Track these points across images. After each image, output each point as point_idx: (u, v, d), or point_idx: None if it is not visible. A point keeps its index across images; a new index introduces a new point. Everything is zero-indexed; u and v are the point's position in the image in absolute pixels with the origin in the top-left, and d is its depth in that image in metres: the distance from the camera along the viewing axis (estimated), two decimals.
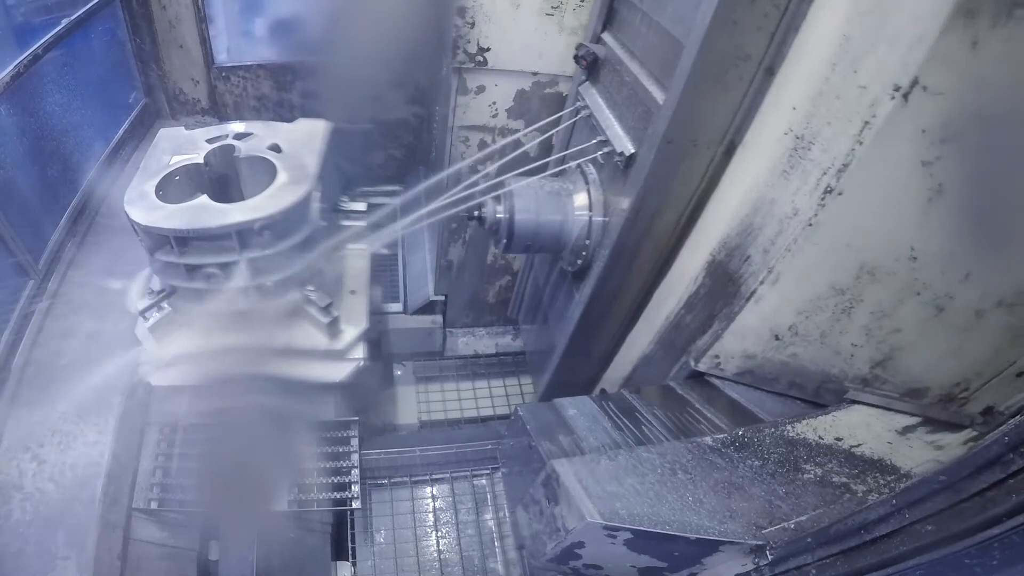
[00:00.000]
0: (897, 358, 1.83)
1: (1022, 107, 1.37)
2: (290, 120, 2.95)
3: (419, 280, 4.22)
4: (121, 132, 3.65)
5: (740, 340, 1.95)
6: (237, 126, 2.81)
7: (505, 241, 2.70)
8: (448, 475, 3.22)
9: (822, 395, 1.98)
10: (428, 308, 4.14)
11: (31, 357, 2.52)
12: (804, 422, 1.80)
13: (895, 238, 1.61)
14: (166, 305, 2.52)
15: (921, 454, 1.72)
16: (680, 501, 1.55)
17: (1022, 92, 1.35)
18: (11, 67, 2.60)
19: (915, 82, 1.35)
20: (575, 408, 2.12)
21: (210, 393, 2.59)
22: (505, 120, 3.18)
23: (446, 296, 4.09)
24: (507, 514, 3.08)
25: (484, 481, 3.23)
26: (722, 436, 1.77)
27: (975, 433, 1.71)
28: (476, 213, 2.72)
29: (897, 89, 1.37)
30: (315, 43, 3.92)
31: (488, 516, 3.13)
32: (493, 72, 3.01)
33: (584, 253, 2.66)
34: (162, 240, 2.33)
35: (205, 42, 3.96)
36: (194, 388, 2.59)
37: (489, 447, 3.27)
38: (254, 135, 2.74)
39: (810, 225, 1.63)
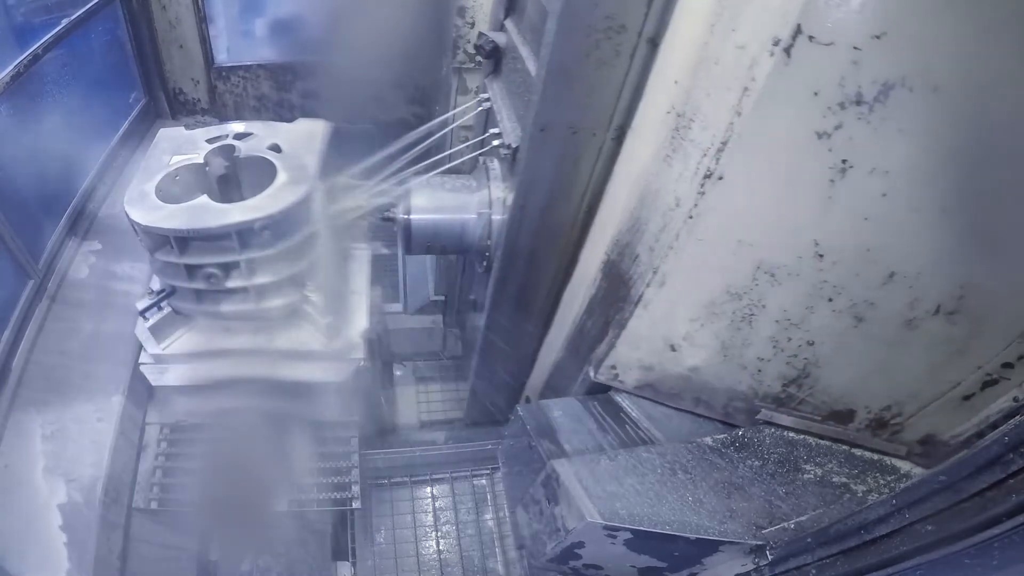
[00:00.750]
0: (814, 375, 1.58)
1: (938, 53, 1.07)
2: (290, 120, 2.94)
3: (419, 280, 4.22)
4: (121, 132, 3.65)
5: (634, 349, 1.72)
6: (237, 126, 2.80)
7: (404, 242, 2.51)
8: (448, 475, 3.22)
9: (732, 414, 1.77)
10: (428, 308, 4.14)
11: (31, 357, 2.52)
12: None
13: (794, 231, 1.34)
14: (166, 305, 2.52)
15: None
16: (680, 501, 1.54)
17: (930, 32, 1.05)
18: (11, 67, 2.60)
19: (798, 31, 1.08)
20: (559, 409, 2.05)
21: (210, 393, 2.59)
22: None
23: (446, 296, 4.09)
24: (507, 514, 3.07)
25: (484, 481, 3.23)
26: (722, 436, 1.77)
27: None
28: (387, 213, 2.54)
29: (777, 43, 1.11)
30: (315, 43, 3.91)
31: (488, 516, 3.13)
32: None
33: (487, 253, 2.47)
34: (162, 240, 2.33)
35: (205, 42, 3.97)
36: (194, 388, 2.59)
37: (489, 447, 3.27)
38: (254, 135, 2.74)
39: (691, 217, 1.38)
